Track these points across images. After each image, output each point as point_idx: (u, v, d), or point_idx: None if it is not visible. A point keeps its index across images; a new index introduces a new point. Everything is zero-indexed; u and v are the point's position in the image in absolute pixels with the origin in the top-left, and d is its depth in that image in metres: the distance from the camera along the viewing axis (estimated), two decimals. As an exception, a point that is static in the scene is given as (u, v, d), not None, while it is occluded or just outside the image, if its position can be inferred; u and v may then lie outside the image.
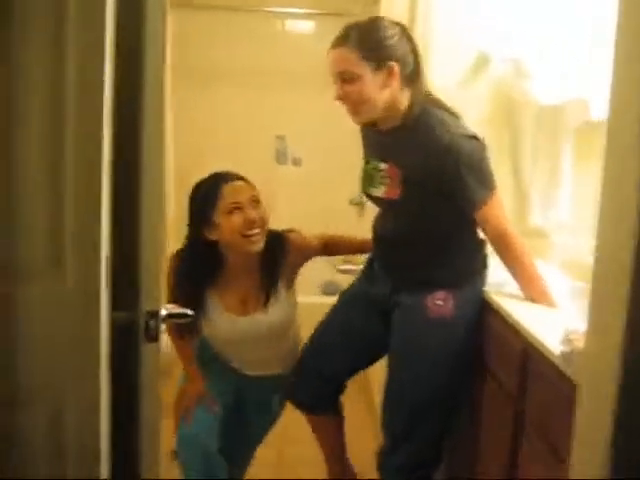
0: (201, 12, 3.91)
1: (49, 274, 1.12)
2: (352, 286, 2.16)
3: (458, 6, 2.25)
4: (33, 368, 1.12)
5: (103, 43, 1.07)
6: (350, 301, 2.12)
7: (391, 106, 1.85)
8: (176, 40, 3.74)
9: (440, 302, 1.87)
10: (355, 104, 1.83)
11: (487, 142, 1.87)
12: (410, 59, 1.83)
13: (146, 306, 1.27)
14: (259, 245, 1.87)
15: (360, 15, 3.86)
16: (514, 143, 2.29)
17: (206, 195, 1.85)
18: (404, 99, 1.85)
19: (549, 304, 1.79)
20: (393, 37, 1.82)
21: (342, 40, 1.83)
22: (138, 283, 1.26)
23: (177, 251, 1.96)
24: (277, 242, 1.96)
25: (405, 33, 1.86)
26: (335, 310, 2.14)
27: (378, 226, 2.04)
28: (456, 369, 1.90)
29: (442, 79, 2.21)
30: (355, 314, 2.09)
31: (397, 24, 1.87)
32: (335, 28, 4.30)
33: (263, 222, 1.88)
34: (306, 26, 4.25)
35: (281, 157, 4.08)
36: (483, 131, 1.96)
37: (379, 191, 1.92)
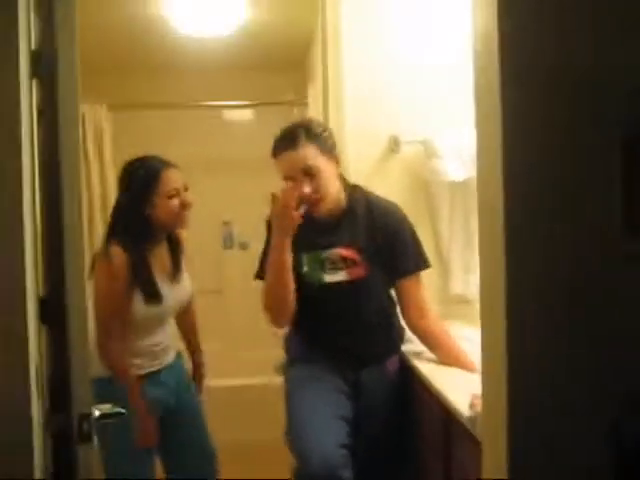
0: (141, 112, 4.06)
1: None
2: (304, 377, 2.09)
3: (366, 95, 2.44)
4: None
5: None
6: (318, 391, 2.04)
7: (339, 192, 2.02)
8: (119, 139, 3.89)
9: (395, 363, 2.14)
10: (321, 196, 1.96)
11: (407, 210, 2.09)
12: None
13: (78, 409, 1.33)
14: (186, 224, 2.14)
15: (293, 101, 4.08)
16: (431, 212, 2.45)
17: (147, 178, 2.06)
18: (340, 185, 2.03)
19: (469, 369, 1.92)
20: (329, 131, 2.04)
21: (296, 140, 1.95)
22: (69, 387, 1.33)
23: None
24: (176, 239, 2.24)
25: None
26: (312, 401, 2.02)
27: (328, 316, 2.07)
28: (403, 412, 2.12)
29: (357, 163, 2.43)
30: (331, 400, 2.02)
31: None
32: (271, 115, 4.48)
33: (191, 206, 2.12)
34: (243, 115, 4.45)
35: (227, 242, 4.21)
36: (401, 200, 2.14)
37: (338, 276, 2.00)
